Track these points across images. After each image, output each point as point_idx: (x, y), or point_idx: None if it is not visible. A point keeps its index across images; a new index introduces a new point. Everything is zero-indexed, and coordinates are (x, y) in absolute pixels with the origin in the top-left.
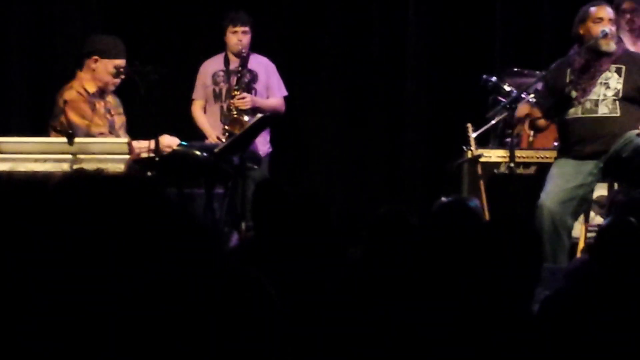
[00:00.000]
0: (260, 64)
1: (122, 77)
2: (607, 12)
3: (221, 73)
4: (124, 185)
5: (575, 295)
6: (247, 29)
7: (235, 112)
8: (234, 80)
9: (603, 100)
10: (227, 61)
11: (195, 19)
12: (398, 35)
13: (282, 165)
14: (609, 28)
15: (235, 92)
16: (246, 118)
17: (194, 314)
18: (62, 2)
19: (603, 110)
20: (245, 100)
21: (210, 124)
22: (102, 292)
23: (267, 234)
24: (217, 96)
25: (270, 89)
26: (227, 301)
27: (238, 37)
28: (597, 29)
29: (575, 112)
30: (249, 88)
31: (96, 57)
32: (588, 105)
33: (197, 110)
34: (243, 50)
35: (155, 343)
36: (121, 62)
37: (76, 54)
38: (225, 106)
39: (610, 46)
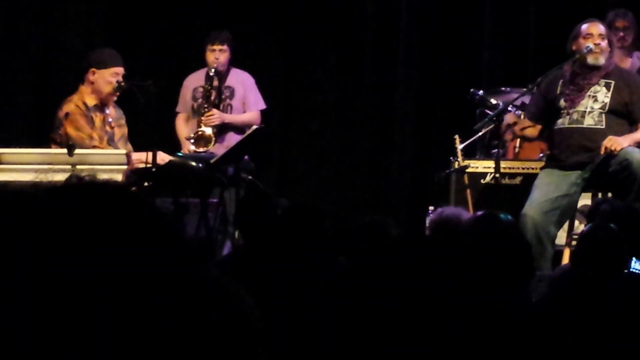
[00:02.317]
0: (238, 79)
1: (122, 83)
2: (598, 28)
3: (200, 89)
4: (110, 194)
5: (559, 302)
6: (224, 47)
7: (202, 129)
8: (211, 96)
9: (590, 112)
10: (206, 77)
11: (196, 34)
12: (388, 49)
13: (273, 176)
14: (594, 44)
15: (205, 110)
16: (208, 131)
17: (168, 326)
18: (66, 16)
19: (589, 122)
20: (213, 117)
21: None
22: (82, 299)
23: (254, 242)
24: (195, 111)
25: (247, 103)
26: (203, 316)
27: (215, 55)
28: (585, 46)
29: (562, 122)
30: (217, 105)
31: (93, 69)
32: (575, 116)
33: (178, 122)
34: (215, 67)
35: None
36: (119, 69)
37: (78, 67)
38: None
39: (599, 60)
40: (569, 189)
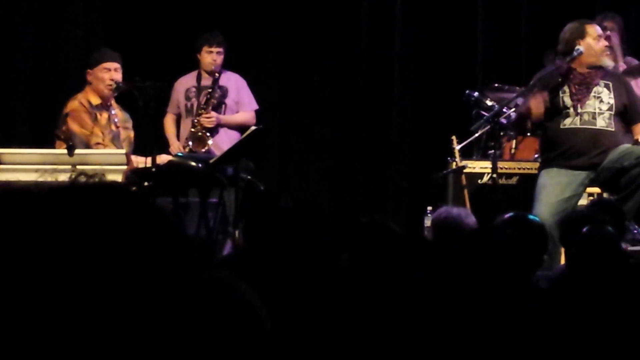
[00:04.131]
0: (231, 80)
1: (120, 83)
2: (599, 28)
3: (193, 89)
4: (108, 195)
5: (556, 303)
6: (221, 49)
7: (200, 130)
8: (203, 96)
9: (600, 114)
10: (199, 78)
11: (195, 35)
12: (385, 51)
13: (271, 176)
14: (606, 46)
15: (202, 111)
16: (210, 141)
17: (171, 327)
18: (66, 16)
19: (601, 124)
20: (210, 120)
21: (182, 135)
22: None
23: (258, 242)
24: (189, 111)
25: (241, 103)
26: (209, 314)
27: (213, 57)
28: (598, 45)
29: (572, 122)
30: (216, 107)
31: (89, 70)
32: (586, 117)
33: (167, 121)
34: (216, 71)
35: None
36: (108, 64)
37: (79, 68)
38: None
39: (610, 62)
40: (577, 188)
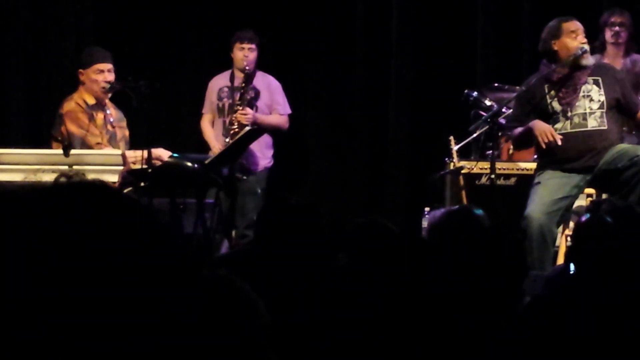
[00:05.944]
0: (264, 82)
1: (114, 83)
2: (579, 24)
3: (226, 89)
4: (99, 194)
5: (555, 301)
6: (253, 46)
7: (237, 127)
8: (237, 96)
9: (591, 114)
10: (232, 77)
11: (188, 35)
12: (382, 51)
13: (269, 176)
14: (583, 44)
15: (238, 107)
16: (242, 128)
17: (173, 326)
18: (58, 18)
19: (592, 124)
20: (247, 116)
21: (215, 137)
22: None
23: (267, 243)
24: (220, 111)
25: (275, 106)
26: (211, 312)
27: (244, 53)
28: (573, 43)
29: (563, 126)
30: (250, 104)
31: (81, 70)
32: (576, 119)
33: (204, 123)
34: (247, 67)
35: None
36: (101, 65)
37: (72, 66)
38: (227, 121)
39: (590, 60)
40: (571, 190)
